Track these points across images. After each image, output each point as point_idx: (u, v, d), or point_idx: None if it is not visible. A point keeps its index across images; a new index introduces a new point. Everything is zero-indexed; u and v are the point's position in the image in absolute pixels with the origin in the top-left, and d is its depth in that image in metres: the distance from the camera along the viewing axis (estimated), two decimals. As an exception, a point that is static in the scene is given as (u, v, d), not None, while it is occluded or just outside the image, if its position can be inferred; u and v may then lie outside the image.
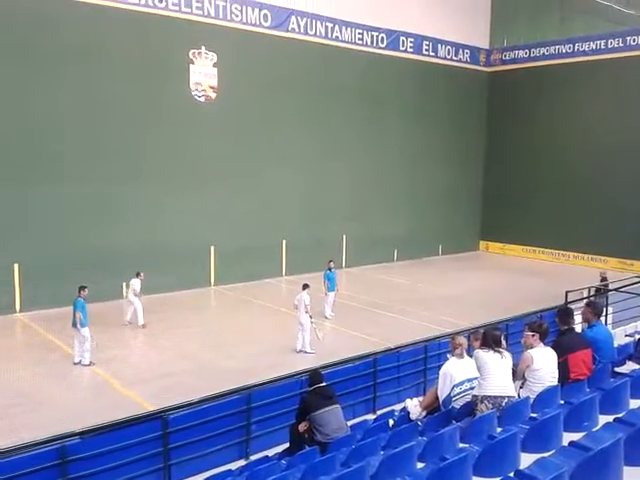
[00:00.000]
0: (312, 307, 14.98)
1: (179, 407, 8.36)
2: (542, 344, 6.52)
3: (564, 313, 7.34)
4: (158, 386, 12.50)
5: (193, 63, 21.14)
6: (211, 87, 21.64)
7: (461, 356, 6.98)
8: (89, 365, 13.62)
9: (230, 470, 7.70)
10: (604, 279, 18.27)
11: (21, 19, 17.44)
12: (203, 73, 21.42)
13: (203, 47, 21.27)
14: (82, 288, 14.13)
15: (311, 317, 14.75)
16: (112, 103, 19.28)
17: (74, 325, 13.79)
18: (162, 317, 17.58)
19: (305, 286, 15.03)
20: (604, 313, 10.97)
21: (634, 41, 26.27)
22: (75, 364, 13.70)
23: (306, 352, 14.61)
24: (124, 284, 18.48)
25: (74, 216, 18.77)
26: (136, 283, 16.74)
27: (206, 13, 21.18)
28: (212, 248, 21.85)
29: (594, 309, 7.67)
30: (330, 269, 18.28)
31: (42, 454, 7.09)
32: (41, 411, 11.18)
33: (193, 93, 21.25)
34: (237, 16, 22.04)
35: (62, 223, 18.54)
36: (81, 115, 18.77)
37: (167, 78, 20.53)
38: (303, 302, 14.67)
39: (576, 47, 28.20)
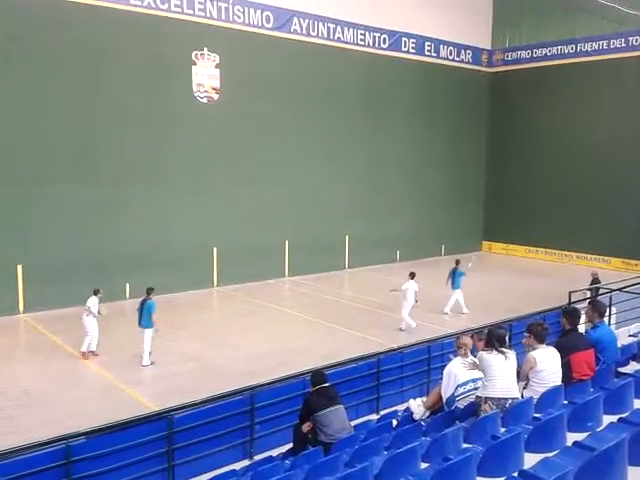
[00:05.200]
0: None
1: (184, 407, 8.38)
2: (544, 345, 6.51)
3: (570, 314, 7.31)
4: (163, 387, 12.54)
5: (195, 64, 21.18)
6: (213, 88, 21.67)
7: (465, 356, 6.98)
8: (150, 365, 13.73)
9: (234, 470, 7.72)
10: (595, 280, 18.16)
11: (25, 21, 17.50)
12: (205, 74, 21.45)
13: (205, 48, 21.30)
14: (151, 289, 14.06)
15: (417, 301, 16.71)
16: (115, 105, 19.32)
17: (147, 326, 13.71)
18: (165, 318, 17.54)
19: (412, 275, 16.90)
20: (607, 313, 10.96)
21: (636, 41, 26.24)
22: (144, 366, 13.72)
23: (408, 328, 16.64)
24: (127, 284, 18.53)
25: (77, 217, 18.82)
26: (93, 302, 14.13)
27: (208, 15, 21.22)
28: (215, 249, 21.88)
29: (597, 309, 7.64)
30: (457, 269, 19.00)
31: (47, 454, 7.09)
32: (46, 411, 11.19)
33: (195, 94, 21.28)
34: (239, 17, 22.08)
35: (66, 224, 18.57)
36: (84, 117, 18.80)
37: (170, 79, 20.58)
38: (412, 290, 16.60)
39: (578, 47, 28.17)
